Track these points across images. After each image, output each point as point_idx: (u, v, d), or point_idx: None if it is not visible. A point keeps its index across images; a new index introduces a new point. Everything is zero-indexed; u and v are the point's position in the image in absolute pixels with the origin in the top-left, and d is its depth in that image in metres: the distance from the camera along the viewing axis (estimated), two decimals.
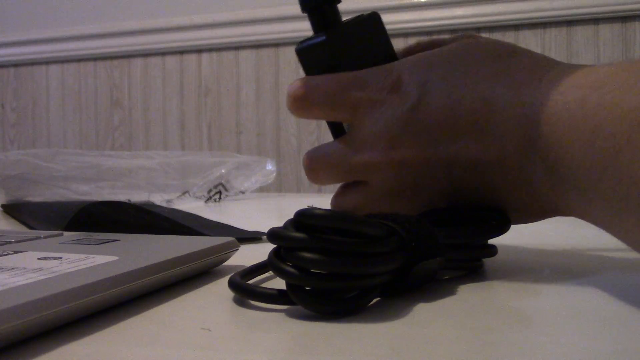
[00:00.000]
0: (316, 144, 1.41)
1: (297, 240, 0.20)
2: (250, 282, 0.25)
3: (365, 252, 0.20)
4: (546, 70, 0.26)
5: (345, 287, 0.21)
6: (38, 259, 0.23)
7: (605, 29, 1.25)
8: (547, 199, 0.26)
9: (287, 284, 0.21)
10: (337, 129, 0.32)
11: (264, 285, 0.24)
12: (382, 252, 0.21)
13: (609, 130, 0.21)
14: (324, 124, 1.38)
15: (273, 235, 0.21)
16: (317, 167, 0.31)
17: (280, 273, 0.20)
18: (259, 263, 0.26)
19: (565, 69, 0.25)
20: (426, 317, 0.20)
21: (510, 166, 0.26)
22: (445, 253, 0.23)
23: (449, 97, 0.27)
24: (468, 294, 0.23)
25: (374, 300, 0.22)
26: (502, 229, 0.27)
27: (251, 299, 0.22)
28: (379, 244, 0.21)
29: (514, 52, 0.28)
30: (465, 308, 0.21)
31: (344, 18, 0.30)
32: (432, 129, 0.28)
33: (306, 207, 0.23)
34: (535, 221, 0.29)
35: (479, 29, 1.31)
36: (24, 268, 0.21)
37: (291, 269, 0.20)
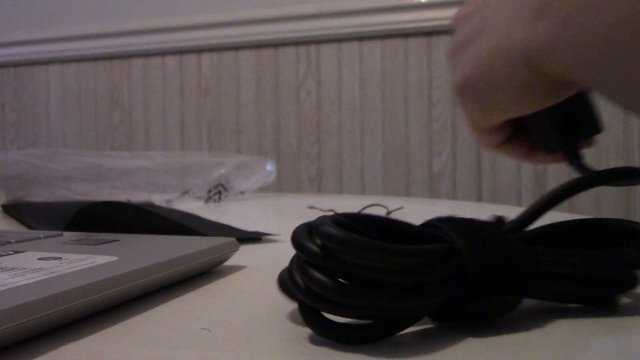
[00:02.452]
0: (316, 145, 1.42)
1: (311, 253, 0.17)
2: None
3: (389, 281, 0.17)
4: None
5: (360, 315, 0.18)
6: (38, 259, 0.23)
7: None
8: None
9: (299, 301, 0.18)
10: None
11: None
12: (418, 283, 0.17)
13: None
14: (324, 125, 1.38)
15: (293, 238, 0.18)
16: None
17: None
18: None
19: None
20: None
21: None
22: (528, 292, 0.19)
23: None
24: None
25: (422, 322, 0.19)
26: None
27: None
28: (411, 273, 0.17)
29: None
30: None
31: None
32: None
33: (330, 212, 0.19)
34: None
35: None
36: (24, 268, 0.21)
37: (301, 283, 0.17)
